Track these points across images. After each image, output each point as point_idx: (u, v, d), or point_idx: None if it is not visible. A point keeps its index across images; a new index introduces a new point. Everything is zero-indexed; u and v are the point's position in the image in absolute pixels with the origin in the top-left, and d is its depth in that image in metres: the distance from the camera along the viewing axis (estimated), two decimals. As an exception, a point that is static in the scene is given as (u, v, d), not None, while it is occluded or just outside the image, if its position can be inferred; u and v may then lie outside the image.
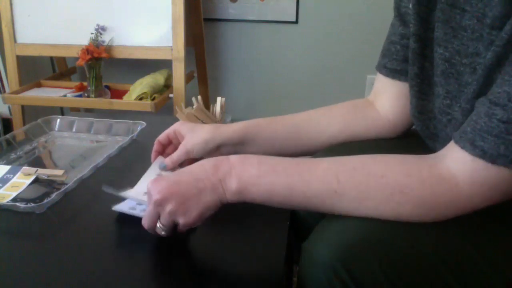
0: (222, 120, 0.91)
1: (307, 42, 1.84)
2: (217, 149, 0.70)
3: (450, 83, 0.54)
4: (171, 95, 1.58)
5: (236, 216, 0.67)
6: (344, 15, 1.77)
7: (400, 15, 0.65)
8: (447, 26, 0.53)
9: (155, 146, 0.74)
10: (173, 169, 0.70)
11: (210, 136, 0.69)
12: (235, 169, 0.53)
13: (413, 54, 0.60)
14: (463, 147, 0.45)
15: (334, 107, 0.74)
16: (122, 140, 0.94)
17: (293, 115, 0.74)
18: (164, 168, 0.70)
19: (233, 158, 0.55)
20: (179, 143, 0.72)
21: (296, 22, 1.81)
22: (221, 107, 0.92)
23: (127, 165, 0.86)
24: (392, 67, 0.67)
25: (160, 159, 0.73)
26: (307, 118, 0.73)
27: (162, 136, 0.73)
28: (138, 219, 0.66)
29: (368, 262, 0.45)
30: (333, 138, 0.71)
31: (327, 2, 1.76)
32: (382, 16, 1.75)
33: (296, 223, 0.68)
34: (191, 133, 0.70)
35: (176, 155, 0.70)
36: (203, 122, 0.88)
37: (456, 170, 0.45)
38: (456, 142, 0.46)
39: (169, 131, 0.73)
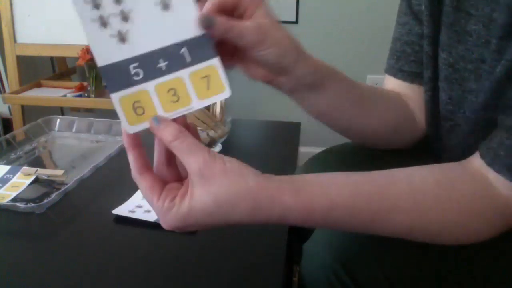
0: (222, 120, 0.91)
1: (307, 42, 1.81)
2: (282, 72, 0.47)
3: (453, 89, 0.53)
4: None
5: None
6: (344, 15, 1.77)
7: (413, 13, 0.59)
8: (451, 30, 0.51)
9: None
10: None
11: (295, 53, 0.46)
12: (288, 223, 0.40)
13: (427, 57, 0.56)
14: (498, 172, 0.42)
15: (387, 94, 0.64)
16: (122, 140, 0.94)
17: (359, 82, 0.59)
18: (211, 24, 0.39)
19: (294, 215, 0.39)
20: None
21: (296, 22, 1.81)
22: (221, 107, 0.92)
23: (127, 165, 0.85)
24: (410, 69, 0.61)
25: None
26: (373, 91, 0.61)
27: None
28: (137, 220, 0.67)
29: (368, 262, 0.45)
30: (383, 128, 0.60)
31: (327, 2, 1.76)
32: (382, 16, 1.75)
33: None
34: (276, 24, 0.44)
35: (241, 25, 0.41)
36: (203, 122, 0.88)
37: (507, 194, 0.42)
38: (490, 165, 0.43)
39: None
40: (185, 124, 0.40)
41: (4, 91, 1.74)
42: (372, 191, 0.42)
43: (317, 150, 0.72)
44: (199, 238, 0.63)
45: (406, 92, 0.63)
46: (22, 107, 1.64)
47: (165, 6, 0.38)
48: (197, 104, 0.40)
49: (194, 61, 0.39)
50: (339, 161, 0.66)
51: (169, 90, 0.39)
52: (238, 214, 0.37)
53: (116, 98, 0.38)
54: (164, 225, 0.39)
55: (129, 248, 0.62)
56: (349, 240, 0.46)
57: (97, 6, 0.37)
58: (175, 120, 0.39)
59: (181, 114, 0.40)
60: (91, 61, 1.49)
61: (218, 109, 0.92)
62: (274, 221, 0.39)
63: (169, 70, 0.39)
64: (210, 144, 0.90)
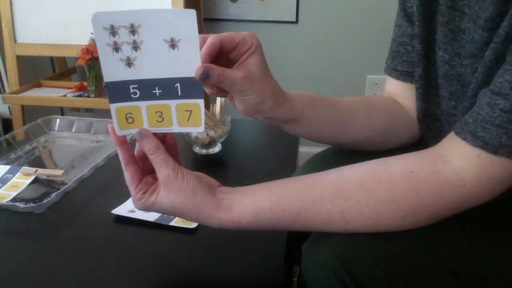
0: (222, 120, 0.91)
1: (307, 42, 1.84)
2: (259, 112, 0.54)
3: (452, 84, 0.54)
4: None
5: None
6: (344, 15, 1.77)
7: (407, 15, 0.63)
8: (446, 29, 0.53)
9: (208, 47, 0.46)
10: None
11: (273, 101, 0.52)
12: (228, 227, 0.49)
13: (418, 56, 0.59)
14: (464, 139, 0.44)
15: (378, 101, 0.66)
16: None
17: (342, 99, 0.62)
18: (205, 77, 0.45)
19: (227, 224, 0.48)
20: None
21: (296, 22, 1.81)
22: (221, 107, 0.92)
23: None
24: (403, 69, 0.64)
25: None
26: (357, 107, 0.63)
27: (229, 38, 0.48)
28: (137, 220, 0.67)
29: (368, 262, 0.45)
30: (373, 137, 0.64)
31: (327, 2, 1.76)
32: (383, 16, 1.75)
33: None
34: (263, 75, 0.51)
35: (231, 76, 0.47)
36: (203, 122, 0.88)
37: (462, 170, 0.44)
38: (458, 134, 0.45)
39: (243, 38, 0.48)
40: (163, 138, 0.50)
41: (4, 91, 1.74)
42: (297, 189, 0.48)
43: (317, 150, 0.72)
44: (199, 238, 0.63)
45: (401, 91, 0.66)
46: (22, 107, 1.64)
47: (173, 46, 0.44)
48: (176, 128, 0.48)
49: (184, 96, 0.47)
50: (339, 160, 0.66)
51: (157, 112, 0.47)
52: (186, 216, 0.49)
53: (113, 108, 0.46)
54: (134, 205, 0.50)
55: (128, 248, 0.62)
56: (349, 239, 0.46)
57: (113, 33, 0.43)
58: (155, 134, 0.48)
59: (161, 132, 0.48)
60: (91, 61, 1.49)
61: (218, 109, 0.92)
62: (214, 227, 0.49)
63: (162, 97, 0.46)
64: (210, 144, 0.90)
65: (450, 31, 0.52)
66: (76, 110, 1.83)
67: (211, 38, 0.47)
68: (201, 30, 1.75)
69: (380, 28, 1.73)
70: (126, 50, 0.44)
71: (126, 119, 0.47)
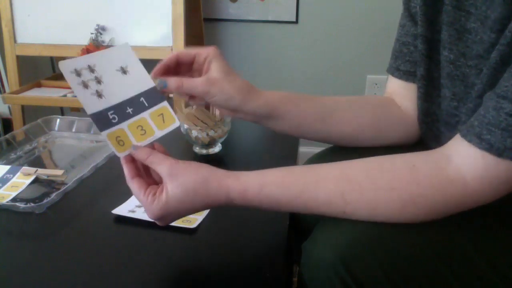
0: (222, 120, 0.91)
1: (307, 42, 1.84)
2: (236, 110, 0.60)
3: (456, 85, 0.54)
4: (171, 95, 1.58)
5: (236, 215, 0.67)
6: (344, 15, 1.77)
7: (411, 15, 0.63)
8: (452, 28, 0.53)
9: (165, 60, 0.58)
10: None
11: (241, 97, 0.58)
12: (235, 203, 0.51)
13: (420, 56, 0.60)
14: (470, 141, 0.44)
15: (363, 98, 0.69)
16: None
17: (323, 97, 0.66)
18: (163, 86, 0.56)
19: (234, 194, 0.50)
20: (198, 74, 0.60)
21: (296, 22, 1.81)
22: (221, 107, 0.92)
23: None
24: (405, 69, 0.65)
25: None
26: (338, 102, 0.66)
27: (185, 53, 0.59)
28: (137, 220, 0.67)
29: (369, 261, 0.45)
30: (361, 132, 0.65)
31: (327, 2, 1.76)
32: (383, 16, 1.75)
33: (296, 222, 0.68)
34: (224, 76, 0.57)
35: (191, 82, 0.57)
36: (203, 122, 0.88)
37: (465, 169, 0.44)
38: (463, 136, 0.45)
39: (199, 51, 0.58)
40: (152, 147, 0.55)
41: (4, 91, 1.74)
42: (303, 169, 0.51)
43: (316, 150, 0.72)
44: (199, 238, 0.63)
45: (403, 90, 0.66)
46: (22, 107, 1.64)
47: (124, 71, 0.55)
48: (158, 133, 0.56)
49: (151, 105, 0.56)
50: (339, 159, 0.66)
51: (137, 127, 0.54)
52: (199, 198, 0.50)
53: (105, 135, 0.53)
54: (149, 214, 0.51)
55: (129, 248, 0.62)
56: (350, 238, 0.46)
57: (79, 74, 0.52)
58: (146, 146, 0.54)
59: (149, 142, 0.55)
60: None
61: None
62: (223, 202, 0.50)
63: (135, 113, 0.55)
64: (210, 144, 0.90)
65: (455, 31, 0.52)
66: (76, 110, 1.82)
67: (170, 54, 0.58)
68: (201, 30, 1.75)
69: (380, 28, 1.73)
70: (93, 85, 0.53)
71: (118, 143, 0.53)
